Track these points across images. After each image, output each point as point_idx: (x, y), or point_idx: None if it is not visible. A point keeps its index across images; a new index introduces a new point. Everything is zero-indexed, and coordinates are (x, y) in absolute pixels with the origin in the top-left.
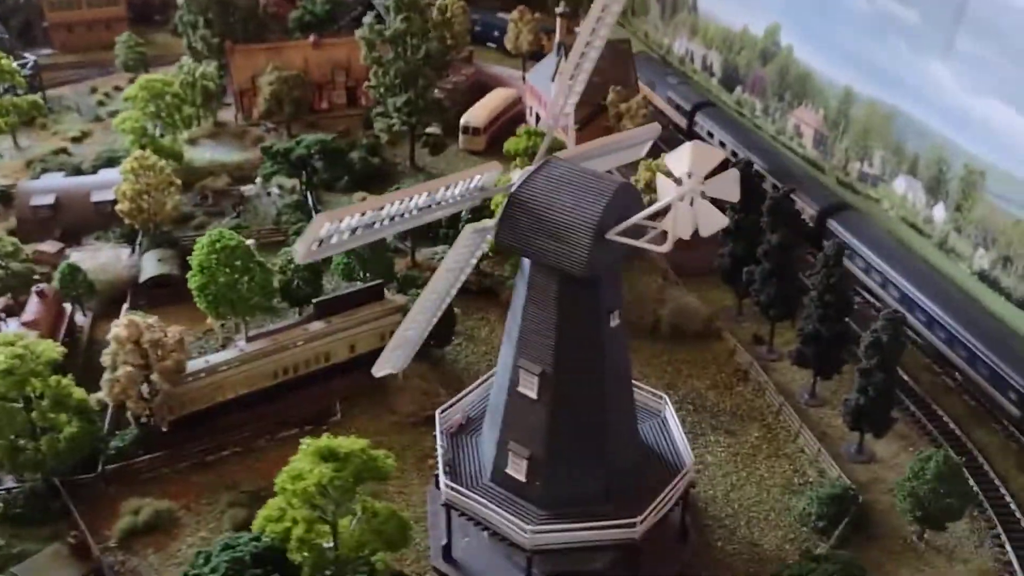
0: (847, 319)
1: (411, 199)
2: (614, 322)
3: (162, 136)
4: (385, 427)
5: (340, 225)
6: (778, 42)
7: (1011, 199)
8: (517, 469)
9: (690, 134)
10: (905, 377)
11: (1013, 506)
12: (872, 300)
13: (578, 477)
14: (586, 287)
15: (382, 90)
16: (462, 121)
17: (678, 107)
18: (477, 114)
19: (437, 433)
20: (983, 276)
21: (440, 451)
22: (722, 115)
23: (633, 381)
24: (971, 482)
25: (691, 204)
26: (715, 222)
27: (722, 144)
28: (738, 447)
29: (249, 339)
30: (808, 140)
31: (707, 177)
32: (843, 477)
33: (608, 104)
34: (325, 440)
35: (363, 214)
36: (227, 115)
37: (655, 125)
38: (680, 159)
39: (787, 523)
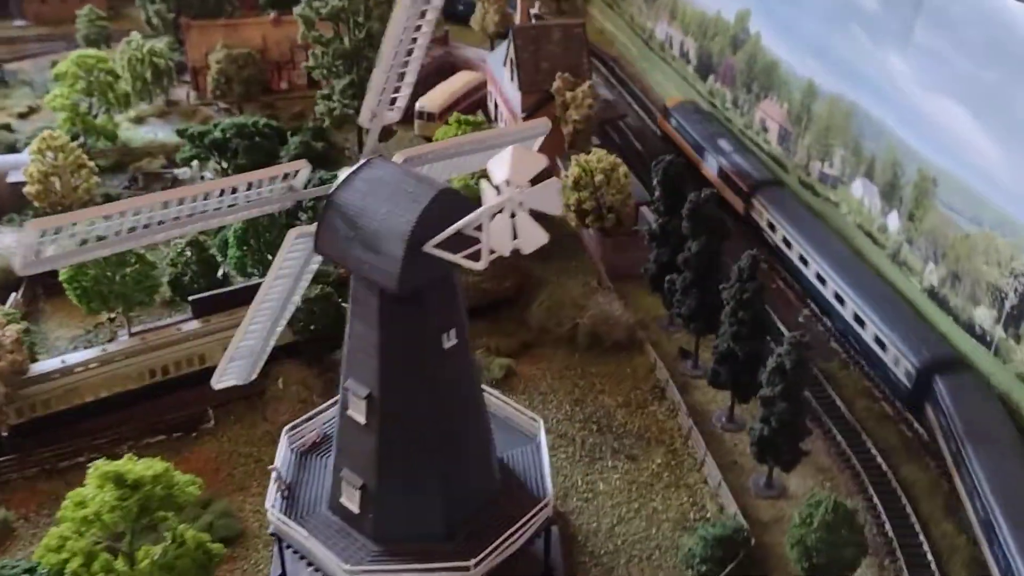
0: (765, 337)
1: (195, 199)
2: (449, 343)
3: (97, 115)
4: (258, 436)
5: (62, 234)
6: (747, 28)
7: (960, 210)
8: (351, 499)
9: (746, 219)
10: (839, 403)
11: (930, 556)
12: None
13: (414, 511)
14: (411, 304)
15: (325, 72)
16: (416, 106)
17: (730, 182)
18: (433, 98)
19: (279, 451)
20: (932, 293)
21: (273, 472)
22: (790, 202)
23: (509, 402)
24: (886, 527)
25: (512, 216)
26: (534, 238)
27: (787, 243)
28: (637, 474)
29: (132, 336)
30: (773, 136)
31: (529, 185)
32: (738, 515)
33: (554, 92)
34: (116, 464)
35: (92, 222)
36: (182, 94)
37: (544, 120)
38: (500, 165)
39: (671, 564)
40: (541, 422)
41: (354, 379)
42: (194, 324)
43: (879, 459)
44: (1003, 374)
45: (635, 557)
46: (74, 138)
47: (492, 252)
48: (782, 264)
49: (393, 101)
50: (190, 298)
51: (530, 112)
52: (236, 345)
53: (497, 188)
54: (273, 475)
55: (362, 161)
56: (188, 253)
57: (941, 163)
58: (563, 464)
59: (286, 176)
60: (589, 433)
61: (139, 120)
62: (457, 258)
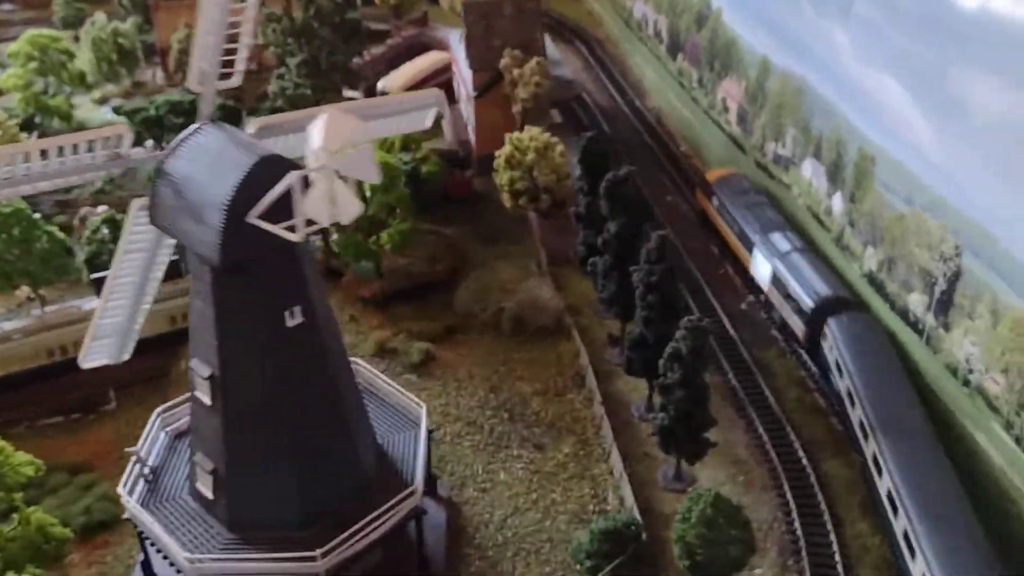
0: (677, 321)
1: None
2: (293, 321)
3: (55, 95)
4: None
5: None
6: (710, 4)
7: (896, 191)
8: (205, 484)
9: (811, 352)
10: (767, 393)
11: (837, 557)
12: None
13: (267, 497)
14: (244, 278)
15: (280, 50)
16: (378, 86)
17: (789, 297)
18: (395, 79)
19: (145, 433)
20: (871, 279)
21: (134, 456)
22: (876, 331)
23: (396, 387)
24: (795, 524)
25: (329, 184)
26: (350, 207)
27: (853, 400)
28: (541, 464)
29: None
30: (733, 116)
31: (345, 151)
32: (633, 508)
33: (502, 69)
34: None
35: None
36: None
37: (437, 91)
38: (315, 131)
39: (560, 559)
40: (424, 408)
41: (198, 359)
42: (95, 303)
43: (800, 453)
44: (933, 364)
45: (523, 551)
46: (30, 118)
47: (311, 223)
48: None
49: (229, 64)
50: (92, 276)
51: (482, 91)
52: (96, 323)
53: (313, 156)
54: (132, 458)
55: (192, 127)
56: (105, 231)
57: (879, 141)
58: (466, 453)
59: (107, 140)
60: (500, 421)
61: (103, 101)
62: (277, 229)
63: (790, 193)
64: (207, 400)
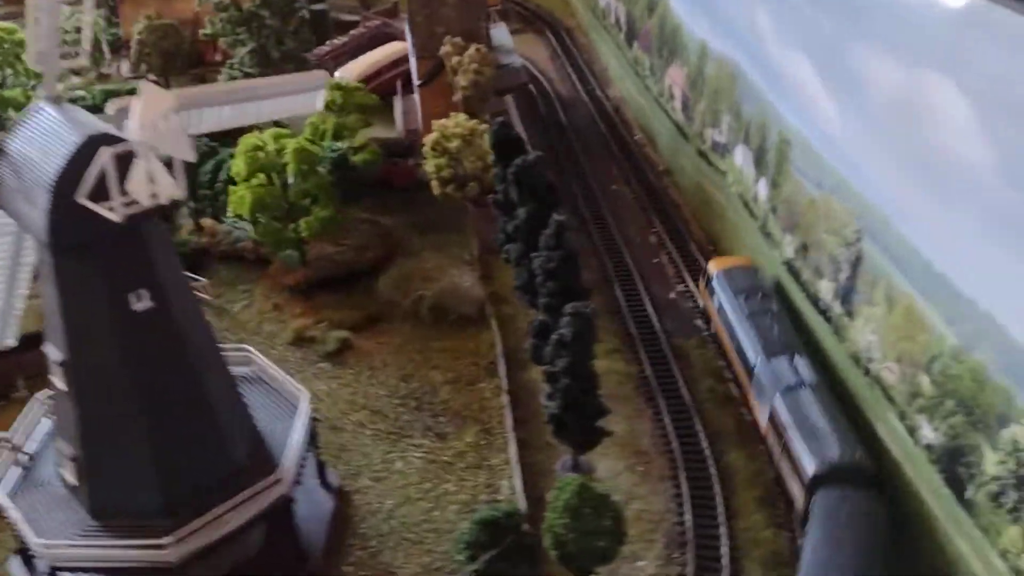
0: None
1: None
2: (141, 304)
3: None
4: None
5: None
6: None
7: (808, 174)
8: (68, 471)
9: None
10: (679, 382)
11: (724, 550)
12: None
13: (128, 484)
14: (83, 260)
15: (230, 40)
16: (335, 75)
17: (789, 454)
18: (350, 68)
19: (20, 418)
20: (789, 266)
21: (5, 442)
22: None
23: (278, 371)
24: (685, 516)
25: (147, 162)
26: (167, 186)
27: None
28: (440, 453)
29: None
30: (678, 103)
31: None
32: (521, 498)
33: (442, 56)
34: None
35: None
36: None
37: (321, 72)
38: (134, 108)
39: (442, 549)
40: (305, 393)
41: (51, 343)
42: None
43: (703, 444)
44: (840, 354)
45: (407, 540)
46: None
47: (131, 202)
48: None
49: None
50: None
51: (426, 79)
52: None
53: (128, 133)
54: (4, 444)
55: (32, 107)
56: None
57: (795, 123)
58: (366, 442)
59: None
60: (406, 410)
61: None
62: (100, 208)
63: (725, 181)
64: (62, 386)
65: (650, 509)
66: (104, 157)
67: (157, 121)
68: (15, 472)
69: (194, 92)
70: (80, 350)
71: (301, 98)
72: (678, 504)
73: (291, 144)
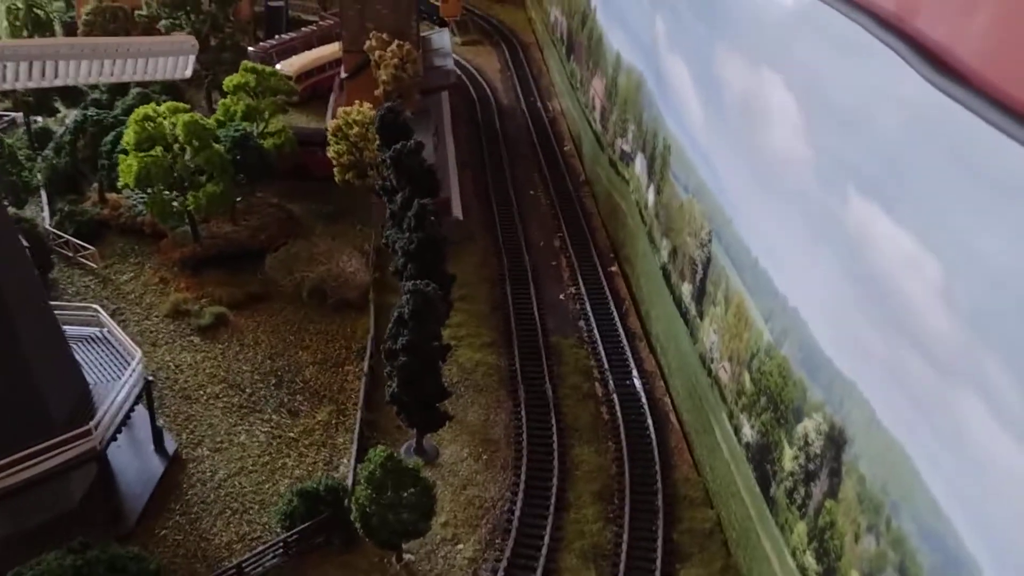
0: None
1: None
2: None
3: None
4: None
5: None
6: (591, 3)
7: (680, 178)
8: None
9: None
10: (545, 377)
11: (545, 539)
12: None
13: None
14: None
15: (167, 23)
16: (277, 67)
17: None
18: (292, 62)
19: None
20: (664, 270)
21: None
22: None
23: (123, 337)
24: (515, 506)
25: None
26: None
27: None
28: (287, 429)
29: None
30: (598, 113)
31: None
32: (349, 475)
33: (366, 50)
34: None
35: None
36: None
37: (190, 38)
38: None
39: (264, 521)
40: (138, 354)
41: None
42: None
43: (553, 437)
44: (692, 356)
45: (231, 510)
46: None
47: None
48: None
49: None
50: None
51: (352, 73)
52: None
53: None
54: None
55: None
56: None
57: (674, 128)
58: (216, 413)
59: None
60: (265, 386)
61: None
62: None
63: (628, 189)
64: None
65: (483, 496)
66: None
67: None
68: None
69: (46, 43)
70: None
71: (168, 61)
72: (513, 493)
73: (183, 117)
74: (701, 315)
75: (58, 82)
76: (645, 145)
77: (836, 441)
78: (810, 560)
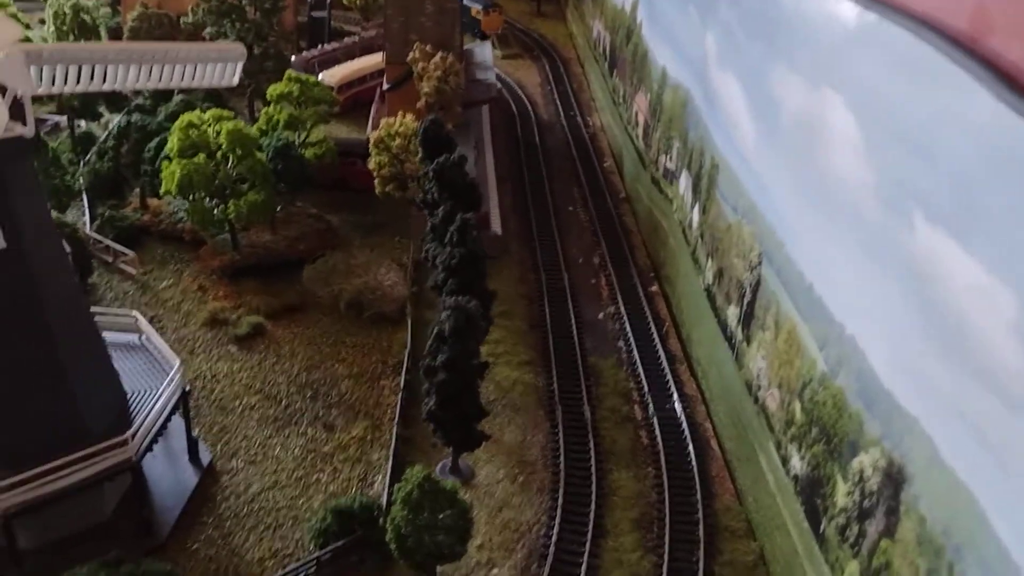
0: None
1: None
2: None
3: None
4: None
5: None
6: (636, 17)
7: (728, 199)
8: None
9: None
10: (584, 399)
11: (582, 569)
12: None
13: None
14: None
15: (214, 30)
16: (319, 76)
17: None
18: (334, 72)
19: None
20: (708, 292)
21: None
22: None
23: (163, 341)
24: (552, 532)
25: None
26: (1, 117)
27: None
28: (323, 444)
29: None
30: (641, 130)
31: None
32: (383, 494)
33: (409, 62)
34: None
35: None
36: None
37: (238, 45)
38: None
39: (297, 536)
40: (177, 363)
41: None
42: None
43: (591, 460)
44: (737, 382)
45: (264, 524)
46: None
47: None
48: None
49: None
50: None
51: (393, 85)
52: None
53: None
54: None
55: None
56: None
57: (723, 147)
58: (251, 425)
59: None
60: (301, 398)
61: None
62: None
63: (670, 207)
64: None
65: (519, 519)
66: None
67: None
68: None
69: (94, 47)
70: None
71: (216, 68)
72: (550, 517)
73: (227, 125)
74: (748, 340)
75: (105, 87)
76: (691, 163)
77: (894, 478)
78: None
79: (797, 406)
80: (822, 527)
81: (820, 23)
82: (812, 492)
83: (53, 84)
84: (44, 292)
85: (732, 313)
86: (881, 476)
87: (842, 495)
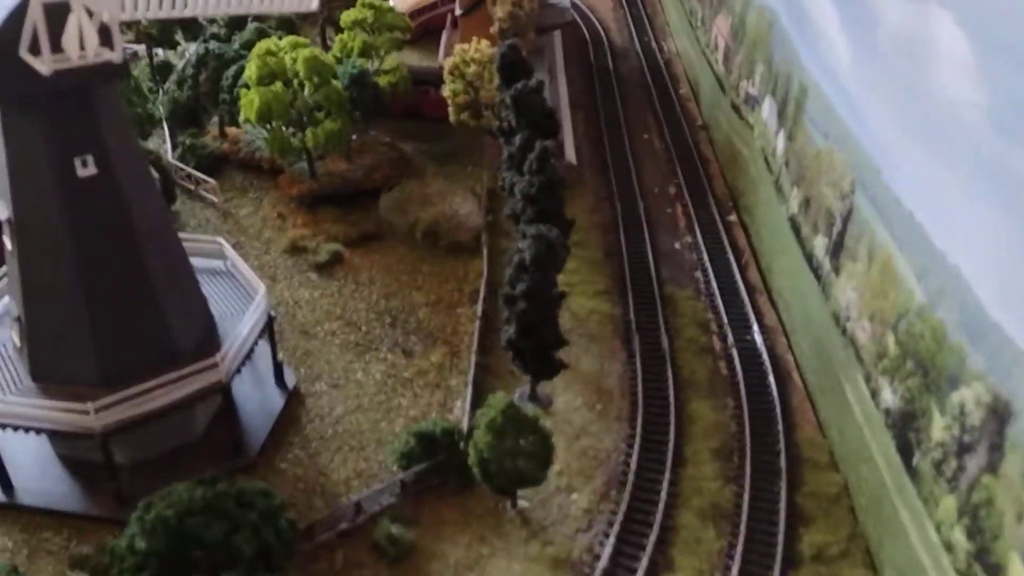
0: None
1: None
2: (85, 171)
3: None
4: None
5: None
6: None
7: (818, 124)
8: (14, 331)
9: None
10: (661, 329)
11: (662, 495)
12: None
13: (65, 350)
14: (31, 119)
15: None
16: (390, 3)
17: None
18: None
19: None
20: (793, 221)
21: None
22: None
23: (248, 270)
24: (631, 460)
25: (79, 17)
26: (93, 43)
27: None
28: (402, 369)
29: None
30: (720, 54)
31: None
32: (464, 418)
33: None
34: None
35: None
36: None
37: None
38: None
39: (380, 459)
40: (262, 289)
41: (2, 200)
42: None
43: (669, 390)
44: (823, 312)
45: (348, 446)
46: None
47: (60, 52)
48: None
49: None
50: None
51: (467, 9)
52: None
53: None
54: None
55: None
56: None
57: (813, 70)
58: (333, 350)
59: None
60: (380, 325)
61: None
62: (35, 61)
63: (752, 135)
64: (8, 244)
65: (597, 446)
66: (35, 9)
67: None
68: None
69: None
70: (24, 209)
71: None
72: (628, 445)
73: (304, 52)
74: (836, 271)
75: (187, 12)
76: (775, 88)
77: (1000, 414)
78: (959, 536)
79: (891, 339)
80: (915, 460)
81: None
82: (904, 425)
83: (136, 9)
84: (134, 216)
85: (819, 243)
86: (984, 411)
87: (939, 429)
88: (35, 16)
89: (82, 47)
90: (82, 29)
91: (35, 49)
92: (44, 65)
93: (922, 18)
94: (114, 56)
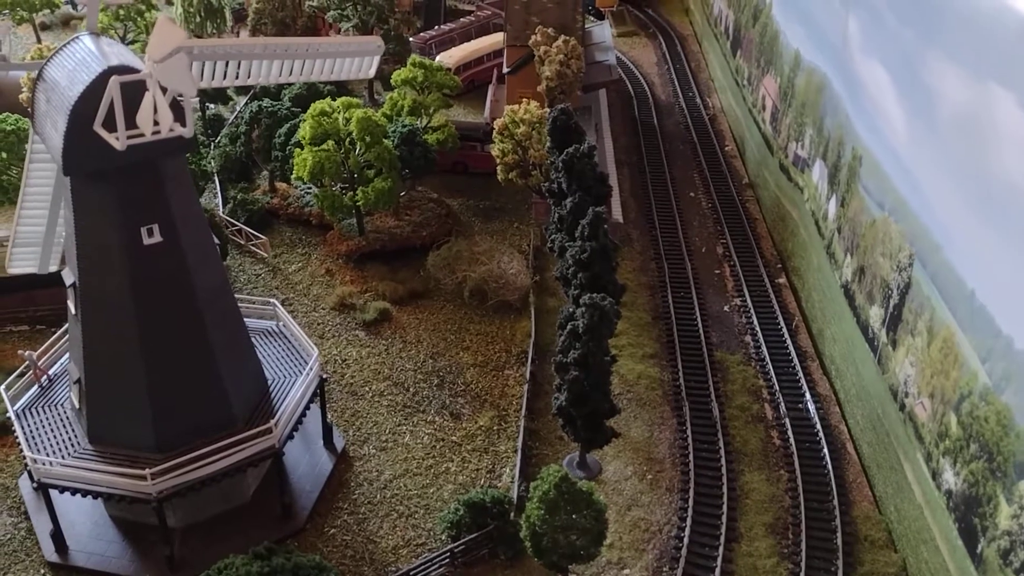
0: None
1: None
2: (151, 239)
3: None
4: None
5: None
6: None
7: (873, 193)
8: (74, 393)
9: None
10: (711, 396)
11: (717, 573)
12: None
13: (123, 415)
14: (100, 189)
15: (336, 13)
16: (437, 59)
17: None
18: (452, 54)
19: (51, 341)
20: (846, 289)
21: (28, 359)
22: None
23: (301, 334)
24: (684, 533)
25: (153, 94)
26: (165, 117)
27: None
28: (450, 433)
29: None
30: (768, 114)
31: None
32: (513, 487)
33: (531, 45)
34: None
35: None
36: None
37: (376, 39)
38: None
39: (429, 526)
40: (315, 353)
41: (68, 266)
42: None
43: (721, 460)
44: (879, 385)
45: (396, 513)
46: None
47: (134, 129)
48: None
49: None
50: None
51: (514, 68)
52: (15, 230)
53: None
54: (27, 362)
55: (73, 37)
56: None
57: (867, 138)
58: (381, 411)
59: None
60: (428, 386)
61: None
62: (109, 136)
63: (801, 197)
64: (72, 309)
65: (649, 518)
66: (112, 85)
67: (167, 55)
68: (33, 391)
69: (239, 42)
70: (89, 275)
71: (355, 62)
72: (680, 518)
73: (357, 113)
74: (894, 344)
75: (250, 82)
76: (826, 153)
77: None
78: None
79: (952, 419)
80: (979, 547)
81: (988, 11)
82: (968, 510)
83: (201, 79)
84: (196, 283)
85: (875, 313)
86: None
87: (1005, 517)
88: (112, 93)
89: (155, 123)
90: (156, 106)
91: (110, 125)
92: (118, 140)
93: (983, 98)
94: (185, 131)
